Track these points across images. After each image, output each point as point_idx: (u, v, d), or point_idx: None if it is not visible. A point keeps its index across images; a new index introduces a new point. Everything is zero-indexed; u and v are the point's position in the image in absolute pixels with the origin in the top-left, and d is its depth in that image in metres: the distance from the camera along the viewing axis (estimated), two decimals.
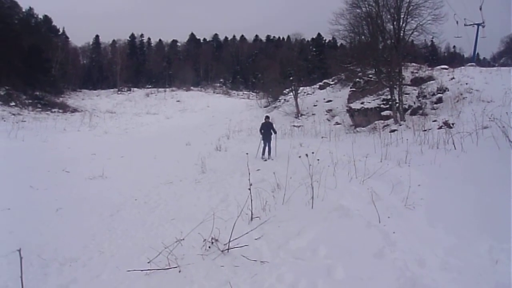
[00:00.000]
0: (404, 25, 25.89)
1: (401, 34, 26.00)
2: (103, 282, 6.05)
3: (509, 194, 8.09)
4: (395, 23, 25.95)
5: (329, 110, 33.65)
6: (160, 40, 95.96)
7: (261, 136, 18.86)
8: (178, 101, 51.05)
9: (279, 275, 5.62)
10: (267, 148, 18.46)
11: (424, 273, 5.29)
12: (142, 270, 5.99)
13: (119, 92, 59.41)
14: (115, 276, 6.16)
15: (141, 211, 10.16)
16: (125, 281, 5.90)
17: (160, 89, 59.78)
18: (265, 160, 17.47)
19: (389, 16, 26.39)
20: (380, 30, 26.75)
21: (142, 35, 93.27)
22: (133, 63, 76.86)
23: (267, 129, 18.76)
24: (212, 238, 6.78)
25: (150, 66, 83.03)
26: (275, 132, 19.21)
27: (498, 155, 11.28)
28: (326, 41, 73.67)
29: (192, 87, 64.22)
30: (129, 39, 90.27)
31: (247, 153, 12.19)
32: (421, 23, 25.89)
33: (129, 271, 6.05)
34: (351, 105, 28.35)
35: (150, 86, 66.98)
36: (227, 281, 5.43)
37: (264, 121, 19.50)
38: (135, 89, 63.24)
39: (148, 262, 6.14)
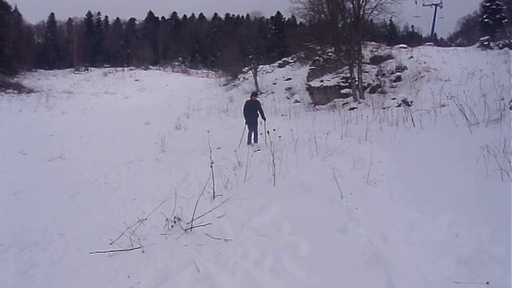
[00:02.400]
0: (364, 3, 26.00)
1: (361, 12, 26.10)
2: (65, 266, 5.89)
3: (466, 169, 8.29)
4: (354, 1, 26.01)
5: (289, 88, 33.63)
6: (117, 18, 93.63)
7: (245, 119, 15.30)
8: (137, 80, 50.08)
9: (243, 252, 5.58)
10: (253, 134, 15.08)
11: (388, 248, 5.35)
12: (104, 252, 5.85)
13: (76, 72, 57.90)
14: (77, 259, 5.98)
15: (102, 191, 9.98)
16: (87, 263, 5.73)
17: (118, 69, 58.34)
18: (255, 151, 13.32)
19: None
20: (340, 9, 26.74)
21: (99, 13, 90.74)
22: (90, 42, 74.80)
23: (252, 110, 15.08)
24: (174, 217, 6.66)
25: (107, 45, 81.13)
26: (264, 118, 15.19)
27: (455, 132, 11.51)
28: (286, 19, 73.44)
29: (150, 66, 63.16)
30: (85, 17, 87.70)
31: (208, 131, 12.06)
32: (380, 2, 26.03)
33: (91, 253, 5.89)
34: (311, 83, 28.40)
35: (108, 66, 65.39)
36: (191, 260, 5.34)
37: (249, 99, 15.79)
38: (92, 68, 61.66)
39: (111, 244, 6.00)
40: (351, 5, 26.39)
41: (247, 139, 15.11)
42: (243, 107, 15.69)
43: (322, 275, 4.84)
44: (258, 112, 15.18)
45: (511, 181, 6.88)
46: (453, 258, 4.94)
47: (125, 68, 58.71)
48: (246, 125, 15.24)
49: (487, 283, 4.24)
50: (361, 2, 25.84)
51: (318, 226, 6.33)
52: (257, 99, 16.38)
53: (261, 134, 13.85)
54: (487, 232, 5.46)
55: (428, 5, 46.44)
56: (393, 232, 5.87)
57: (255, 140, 14.99)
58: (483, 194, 6.98)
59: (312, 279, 4.78)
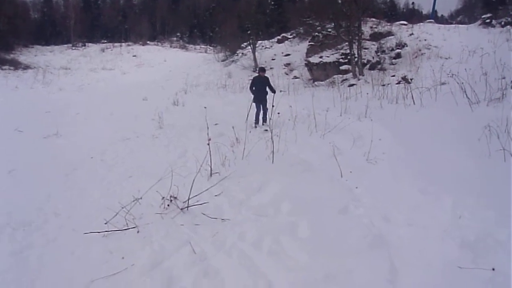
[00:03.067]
0: None
1: None
2: (59, 246, 5.76)
3: (468, 149, 8.17)
4: None
5: (287, 64, 33.33)
6: None
7: (252, 96, 14.08)
8: (135, 56, 49.30)
9: (241, 233, 5.48)
10: (261, 112, 13.93)
11: (390, 230, 5.23)
12: (99, 232, 5.73)
13: (73, 48, 57.20)
14: (72, 239, 5.85)
15: (98, 169, 9.77)
16: (82, 244, 5.61)
17: (115, 44, 57.45)
18: (265, 130, 12.23)
19: None
20: None
21: None
22: (87, 17, 73.81)
23: (261, 87, 13.80)
24: (170, 196, 6.54)
25: (105, 20, 79.89)
26: (274, 91, 14.06)
27: (456, 110, 11.37)
28: None
29: (148, 42, 62.34)
30: None
31: (205, 107, 11.84)
32: None
33: (86, 233, 5.74)
34: (310, 59, 28.10)
35: (105, 41, 64.46)
36: (187, 241, 5.24)
37: (257, 74, 14.51)
38: (90, 44, 60.78)
39: (105, 223, 5.88)
40: None
41: (254, 118, 13.88)
42: (249, 84, 14.43)
43: (322, 258, 4.72)
44: (268, 88, 13.97)
45: None
46: (457, 242, 4.84)
47: (123, 44, 58.02)
48: (254, 103, 13.93)
49: (493, 269, 4.14)
50: None
51: (318, 206, 6.22)
52: (266, 74, 14.62)
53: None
54: (491, 214, 5.38)
55: None
56: (395, 214, 5.77)
57: (264, 120, 13.81)
58: (486, 175, 6.87)
59: (312, 262, 4.67)
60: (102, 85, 31.63)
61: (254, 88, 13.84)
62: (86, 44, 60.47)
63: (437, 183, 6.78)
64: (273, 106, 10.81)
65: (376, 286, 4.20)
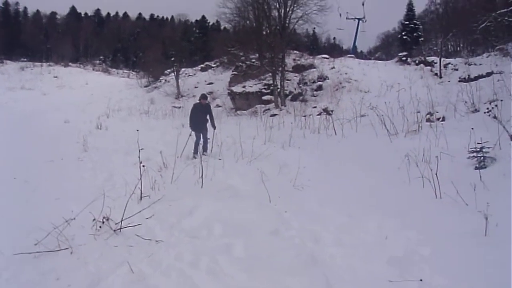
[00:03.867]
0: (290, 12, 26.63)
1: (287, 21, 26.68)
2: None
3: (388, 176, 8.68)
4: (281, 10, 26.62)
5: (210, 93, 33.21)
6: (38, 10, 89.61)
7: (191, 126, 13.20)
8: (56, 77, 47.62)
9: (177, 254, 5.54)
10: (201, 141, 13.00)
11: (321, 249, 5.51)
12: (30, 253, 5.56)
13: None
14: (0, 261, 5.54)
15: (22, 190, 9.31)
16: (10, 266, 5.41)
17: (36, 63, 55.59)
18: (201, 156, 11.50)
19: (276, 4, 26.99)
20: (266, 16, 27.25)
21: (17, 3, 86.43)
22: (6, 33, 71.55)
23: (202, 114, 13.14)
24: (103, 217, 6.47)
25: (26, 38, 77.63)
26: (214, 126, 13.49)
27: (376, 141, 12.03)
28: (210, 23, 73.53)
29: (70, 63, 60.89)
30: (2, 6, 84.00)
31: (137, 130, 11.73)
32: (306, 13, 26.89)
33: (16, 254, 5.53)
34: (233, 88, 28.43)
35: (25, 60, 62.59)
36: (123, 261, 5.21)
37: (198, 102, 13.73)
38: (8, 61, 58.98)
39: (35, 244, 5.69)
40: (277, 14, 26.92)
41: (193, 149, 12.87)
42: (190, 112, 13.41)
43: (260, 276, 4.91)
44: (208, 117, 13.29)
45: (431, 188, 7.26)
46: (385, 259, 5.16)
47: (44, 64, 56.26)
48: (193, 132, 13.13)
49: (421, 280, 4.48)
50: (287, 11, 26.42)
51: (250, 229, 6.43)
52: (207, 102, 14.05)
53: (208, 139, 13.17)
54: (414, 234, 5.77)
55: (352, 18, 48.33)
56: (324, 235, 6.05)
57: (205, 149, 13.00)
58: (407, 199, 7.40)
59: (250, 280, 4.82)
60: (21, 105, 30.39)
61: (194, 117, 13.07)
62: (4, 61, 58.06)
63: (361, 207, 7.18)
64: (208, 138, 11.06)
65: None
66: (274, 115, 22.50)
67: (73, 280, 4.92)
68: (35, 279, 5.05)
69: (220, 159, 11.55)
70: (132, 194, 7.62)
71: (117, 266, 5.21)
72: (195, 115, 13.06)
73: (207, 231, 6.45)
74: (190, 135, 13.23)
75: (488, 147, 8.02)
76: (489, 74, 19.02)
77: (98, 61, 68.91)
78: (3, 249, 5.80)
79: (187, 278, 4.88)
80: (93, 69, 60.21)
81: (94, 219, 6.49)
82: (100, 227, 6.39)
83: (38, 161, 12.08)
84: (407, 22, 42.56)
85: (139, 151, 8.84)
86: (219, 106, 28.71)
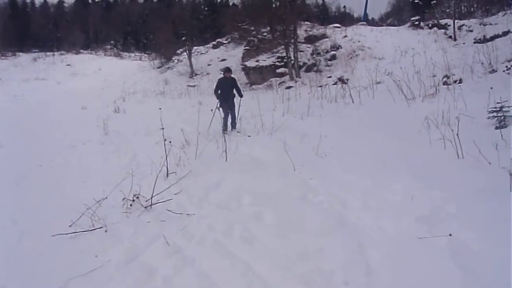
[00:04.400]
0: None
1: None
2: (27, 251, 5.66)
3: (410, 140, 8.71)
4: None
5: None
6: (45, 1, 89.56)
7: (217, 100, 12.76)
8: (68, 65, 47.97)
9: (209, 225, 5.69)
10: (229, 118, 12.69)
11: (349, 213, 5.66)
12: (67, 234, 5.71)
13: (3, 58, 55.43)
14: (37, 243, 5.76)
15: (49, 176, 9.57)
16: (49, 246, 5.55)
17: (48, 53, 55.52)
18: (234, 132, 12.07)
19: None
20: None
21: None
22: (16, 26, 71.49)
23: (227, 89, 12.60)
24: (133, 195, 6.63)
25: (35, 29, 77.41)
26: (241, 94, 13.14)
27: (394, 106, 12.00)
28: (219, 0, 73.35)
29: (82, 50, 60.82)
30: None
31: (141, 112, 11.66)
32: None
33: (54, 235, 5.65)
34: (246, 63, 28.43)
35: (37, 50, 62.51)
36: (158, 235, 5.40)
37: (222, 76, 13.14)
38: (20, 53, 58.98)
39: (70, 226, 5.87)
40: None
41: (222, 125, 12.55)
42: (214, 86, 12.99)
43: (293, 240, 5.05)
44: (235, 90, 12.83)
45: (453, 148, 7.29)
46: (412, 218, 5.27)
47: (56, 53, 56.30)
48: (220, 108, 12.60)
49: (450, 234, 4.57)
50: None
51: (278, 197, 6.56)
52: (232, 75, 13.22)
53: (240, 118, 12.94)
54: (438, 193, 5.86)
55: None
56: (351, 199, 6.18)
57: (233, 126, 12.71)
58: (429, 161, 7.43)
59: (284, 244, 4.96)
60: (36, 95, 30.55)
61: (219, 92, 12.61)
62: (16, 53, 58.26)
63: (385, 171, 7.26)
64: (218, 108, 11.00)
65: (348, 259, 4.54)
66: (289, 87, 22.47)
67: (111, 256, 5.06)
68: (75, 258, 5.17)
69: (249, 136, 11.45)
70: (160, 172, 7.74)
71: (152, 240, 5.37)
72: (221, 90, 12.59)
73: (236, 202, 6.59)
74: (215, 110, 12.59)
75: (508, 106, 7.94)
76: (505, 34, 18.75)
77: (109, 46, 68.82)
78: (41, 232, 6.01)
79: (221, 246, 5.03)
80: (105, 54, 60.17)
81: (124, 198, 6.65)
82: (130, 205, 6.55)
83: (61, 147, 12.27)
84: None
85: (163, 130, 8.90)
86: None
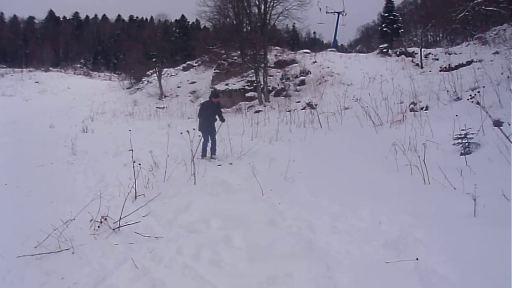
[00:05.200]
0: (270, 9, 26.84)
1: (267, 17, 26.88)
2: None
3: (377, 166, 8.88)
4: (261, 6, 26.81)
5: (193, 92, 33.51)
6: (15, 16, 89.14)
7: (198, 123, 12.15)
8: (37, 82, 47.22)
9: (178, 248, 5.67)
10: (209, 143, 12.13)
11: (317, 237, 5.69)
12: (32, 255, 5.60)
13: None
14: (2, 264, 5.56)
15: (15, 195, 9.32)
16: (13, 268, 5.41)
17: (16, 69, 55.00)
18: (219, 165, 11.05)
19: (256, 0, 27.20)
20: (247, 13, 27.48)
21: None
22: None
23: (211, 114, 12.11)
24: (102, 217, 6.54)
25: (3, 43, 76.64)
26: (222, 119, 12.43)
27: (362, 132, 12.24)
28: (190, 23, 73.72)
29: (51, 68, 60.47)
30: None
31: (110, 133, 11.54)
32: (287, 8, 27.26)
33: (18, 257, 5.56)
34: (216, 86, 28.57)
35: (4, 66, 61.92)
36: (126, 258, 5.35)
37: (207, 100, 12.92)
38: None
39: (36, 247, 5.76)
40: (257, 10, 27.09)
41: (201, 151, 11.96)
42: (198, 110, 12.71)
43: (262, 264, 5.07)
44: (217, 116, 12.31)
45: (420, 174, 7.49)
46: (380, 243, 5.33)
47: (24, 69, 55.65)
48: (200, 132, 11.88)
49: (417, 259, 4.65)
50: (267, 7, 26.60)
51: (247, 220, 6.61)
52: (218, 100, 12.77)
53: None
54: (406, 218, 5.94)
55: (332, 12, 48.65)
56: (319, 223, 6.23)
57: (213, 152, 12.14)
58: (397, 186, 7.60)
59: (253, 268, 4.97)
60: (2, 112, 30.10)
61: (202, 115, 12.04)
62: None
63: (353, 196, 7.35)
64: (187, 131, 10.61)
65: (317, 283, 4.57)
66: (258, 111, 22.69)
67: (78, 279, 4.99)
68: (40, 280, 5.09)
69: (231, 163, 11.10)
70: (128, 194, 7.69)
71: (120, 262, 5.32)
72: (204, 114, 12.01)
73: (205, 225, 6.60)
74: (200, 138, 11.86)
75: (472, 133, 8.25)
76: (469, 63, 19.51)
77: (79, 65, 68.47)
78: (4, 253, 5.86)
79: (191, 269, 5.01)
80: (75, 73, 59.78)
81: (91, 220, 6.56)
82: (98, 226, 6.46)
83: (28, 167, 12.03)
84: (386, 14, 43.09)
85: (132, 152, 8.89)
86: None
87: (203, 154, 12.00)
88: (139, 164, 8.59)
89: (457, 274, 4.28)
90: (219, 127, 12.34)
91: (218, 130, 12.25)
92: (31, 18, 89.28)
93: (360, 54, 34.03)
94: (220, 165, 11.07)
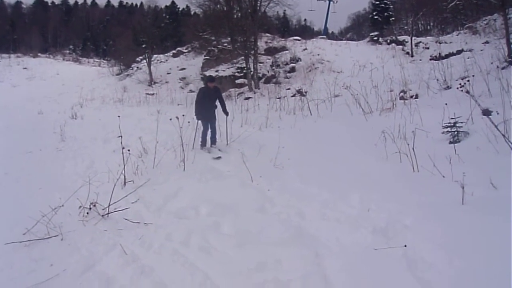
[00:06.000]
0: None
1: (258, 4, 26.74)
2: None
3: (366, 153, 8.91)
4: None
5: (183, 78, 33.35)
6: (1, 0, 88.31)
7: (196, 112, 11.31)
8: (25, 68, 46.47)
9: (167, 234, 5.69)
10: (209, 131, 11.53)
11: (307, 224, 5.74)
12: (21, 242, 5.57)
13: None
14: None
15: (3, 182, 9.25)
16: (3, 255, 5.38)
17: (3, 55, 54.29)
18: (216, 158, 10.28)
19: None
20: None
21: None
22: None
23: (210, 101, 11.39)
24: (90, 203, 6.53)
25: None
26: (226, 112, 11.86)
27: (351, 119, 12.24)
28: (180, 9, 73.21)
29: (39, 54, 59.83)
30: None
31: (99, 119, 11.46)
32: None
33: (7, 243, 5.50)
34: (206, 73, 28.42)
35: None
36: (115, 244, 5.35)
37: (204, 86, 12.35)
38: None
39: (24, 234, 5.74)
40: None
41: (200, 139, 11.54)
42: (196, 97, 11.63)
43: (251, 250, 5.12)
44: (218, 102, 11.66)
45: (409, 162, 7.53)
46: (369, 230, 5.39)
47: (12, 55, 54.98)
48: (199, 121, 11.52)
49: (405, 246, 4.70)
50: None
51: (236, 207, 6.66)
52: (215, 85, 11.99)
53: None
54: (395, 206, 5.98)
55: None
56: (308, 210, 6.27)
57: (213, 141, 11.61)
58: (386, 174, 7.63)
59: (242, 254, 5.02)
60: None
61: (200, 103, 11.24)
62: None
63: (342, 183, 7.39)
64: (183, 115, 10.29)
65: (306, 269, 4.62)
66: (248, 98, 22.65)
67: (67, 265, 4.98)
68: (29, 267, 5.07)
69: (220, 156, 10.57)
70: (117, 180, 7.67)
71: (110, 249, 5.31)
72: (202, 101, 11.23)
73: (194, 211, 6.63)
74: (197, 124, 11.74)
75: (461, 122, 8.29)
76: (459, 52, 19.63)
77: (68, 51, 67.67)
78: None
79: (180, 256, 5.03)
80: (63, 59, 59.00)
81: (81, 206, 6.53)
82: (87, 213, 6.44)
83: (16, 153, 11.95)
84: (377, 2, 42.82)
85: (121, 138, 8.86)
86: (193, 91, 28.65)
87: (203, 144, 11.50)
88: (128, 150, 8.52)
89: (444, 260, 4.32)
90: (226, 120, 11.88)
91: (228, 121, 11.84)
92: (19, 3, 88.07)
93: (350, 41, 34.01)
94: (220, 157, 10.42)
